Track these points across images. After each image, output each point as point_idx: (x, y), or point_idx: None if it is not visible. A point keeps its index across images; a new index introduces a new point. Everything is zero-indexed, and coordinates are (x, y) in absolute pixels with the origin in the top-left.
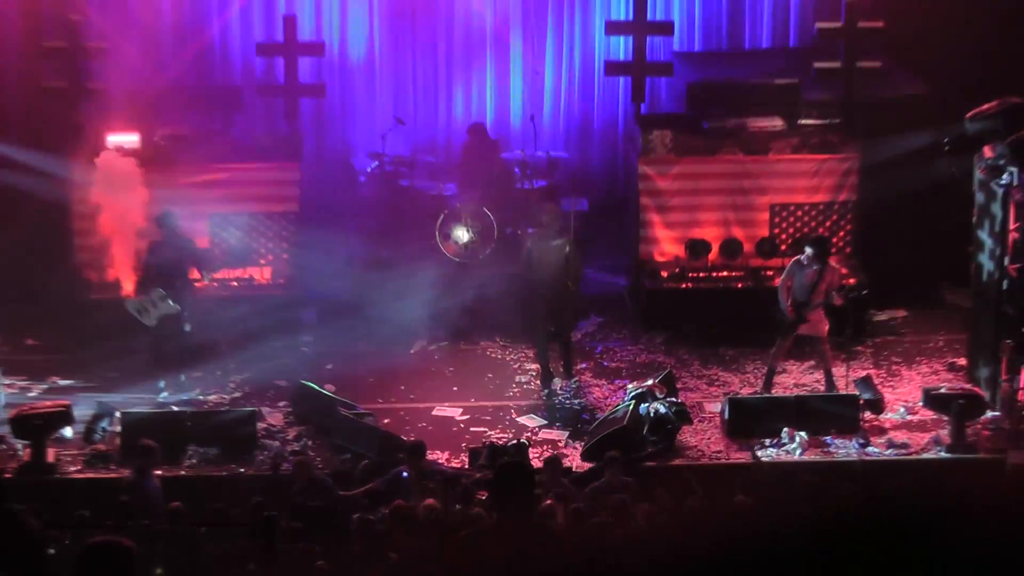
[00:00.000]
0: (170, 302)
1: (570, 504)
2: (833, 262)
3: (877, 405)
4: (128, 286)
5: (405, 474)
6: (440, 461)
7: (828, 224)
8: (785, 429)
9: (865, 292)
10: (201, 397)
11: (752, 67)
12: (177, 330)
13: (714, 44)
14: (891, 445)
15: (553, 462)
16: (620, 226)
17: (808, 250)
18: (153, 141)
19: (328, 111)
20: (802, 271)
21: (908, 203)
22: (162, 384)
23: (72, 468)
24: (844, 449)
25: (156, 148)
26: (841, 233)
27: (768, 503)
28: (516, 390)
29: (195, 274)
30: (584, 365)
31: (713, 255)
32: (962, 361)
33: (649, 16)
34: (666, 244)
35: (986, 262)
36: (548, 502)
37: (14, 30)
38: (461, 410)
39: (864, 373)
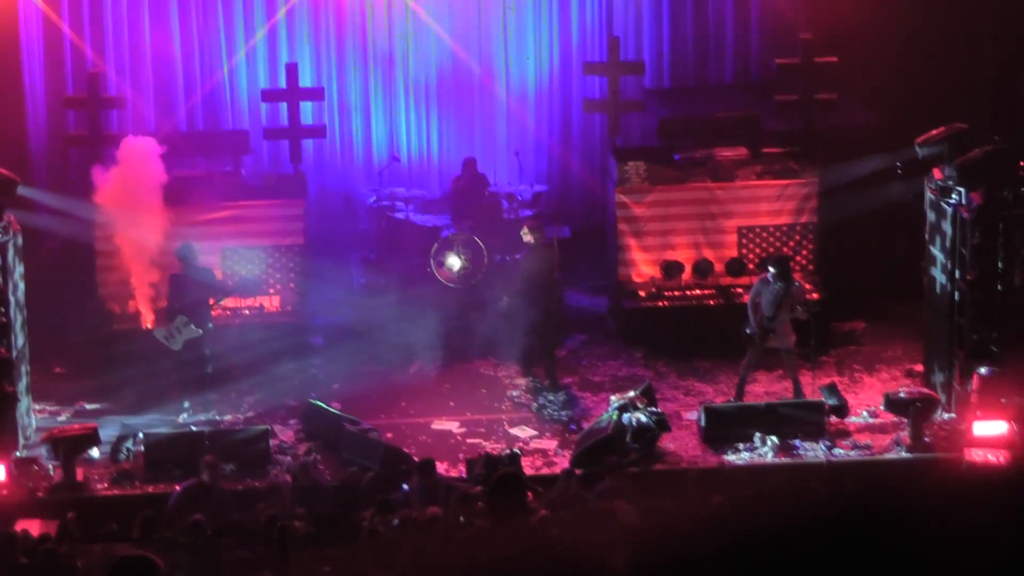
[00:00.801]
0: (193, 327)
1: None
2: (797, 279)
3: (842, 410)
4: (149, 317)
5: (406, 487)
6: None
7: (791, 244)
8: (757, 434)
9: (818, 308)
10: (218, 417)
11: (717, 101)
12: (199, 354)
13: (682, 81)
14: (855, 447)
15: (568, 475)
16: (600, 251)
17: (771, 269)
18: (168, 182)
19: (329, 151)
20: (768, 288)
21: (864, 223)
22: (187, 404)
23: (100, 486)
24: (812, 451)
25: (171, 188)
26: (804, 252)
27: (740, 503)
28: (508, 404)
29: (211, 301)
30: (570, 379)
31: (686, 275)
32: (919, 367)
33: (622, 57)
34: (643, 266)
35: (938, 275)
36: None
37: (39, 83)
38: (458, 423)
39: (829, 381)
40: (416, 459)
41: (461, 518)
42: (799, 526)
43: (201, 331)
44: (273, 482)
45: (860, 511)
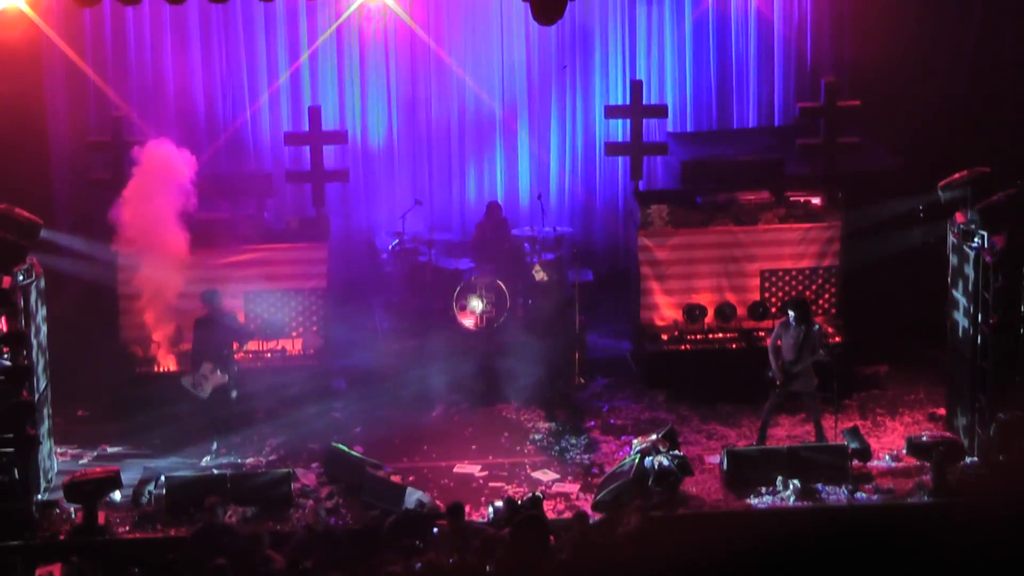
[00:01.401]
0: (219, 373)
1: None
2: (817, 321)
3: (864, 454)
4: (171, 360)
5: (436, 530)
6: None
7: (814, 288)
8: (779, 478)
9: (839, 351)
10: (240, 460)
11: (740, 145)
12: (225, 398)
13: (705, 125)
14: (878, 491)
15: (581, 517)
16: (622, 294)
17: (792, 312)
18: (191, 225)
19: (352, 194)
20: (789, 332)
21: (887, 266)
22: (215, 446)
23: (122, 529)
24: (834, 495)
25: (194, 231)
26: (826, 295)
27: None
28: (530, 447)
29: (235, 346)
30: (592, 423)
31: (709, 319)
32: (941, 411)
33: (645, 100)
34: (665, 309)
35: (961, 319)
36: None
37: (63, 127)
38: (480, 467)
39: (851, 424)
40: (440, 503)
41: (487, 567)
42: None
43: (227, 376)
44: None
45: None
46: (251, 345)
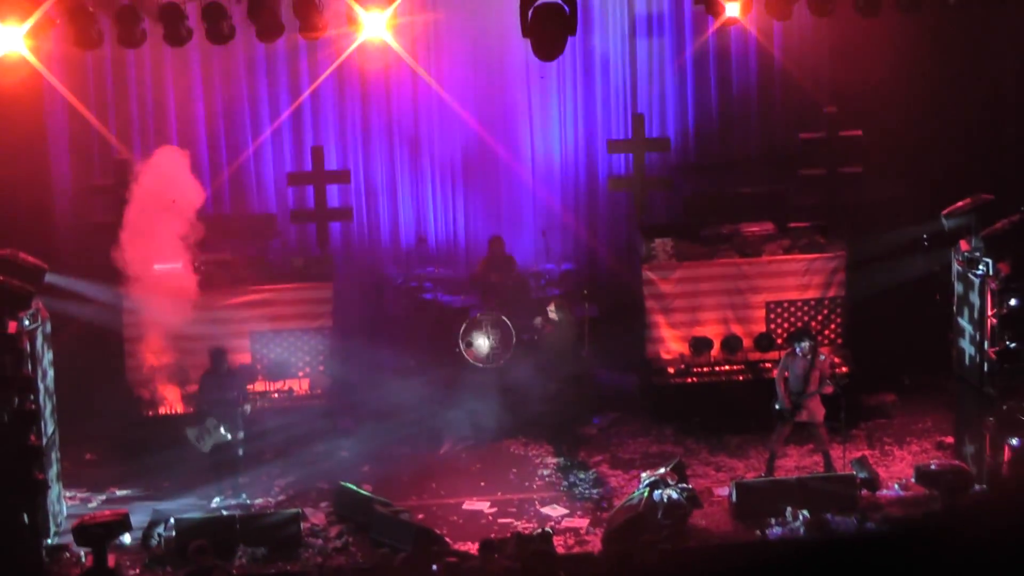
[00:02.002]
0: (222, 430)
1: None
2: (824, 352)
3: (873, 483)
4: (177, 403)
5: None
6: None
7: (819, 318)
8: (788, 509)
9: (846, 382)
10: (249, 501)
11: (743, 177)
12: (228, 454)
13: (707, 157)
14: (887, 520)
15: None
16: (628, 328)
17: (799, 343)
18: (196, 267)
19: (356, 233)
20: (795, 363)
21: (892, 295)
22: (218, 491)
23: (132, 572)
24: (844, 525)
25: (200, 273)
26: (832, 326)
27: None
28: (538, 483)
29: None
30: (600, 457)
31: (715, 351)
32: (949, 439)
33: (647, 134)
34: (671, 343)
35: (967, 347)
36: None
37: (66, 171)
38: (489, 503)
39: (859, 454)
40: (448, 540)
41: None
42: None
43: (230, 436)
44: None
45: None
46: (259, 385)
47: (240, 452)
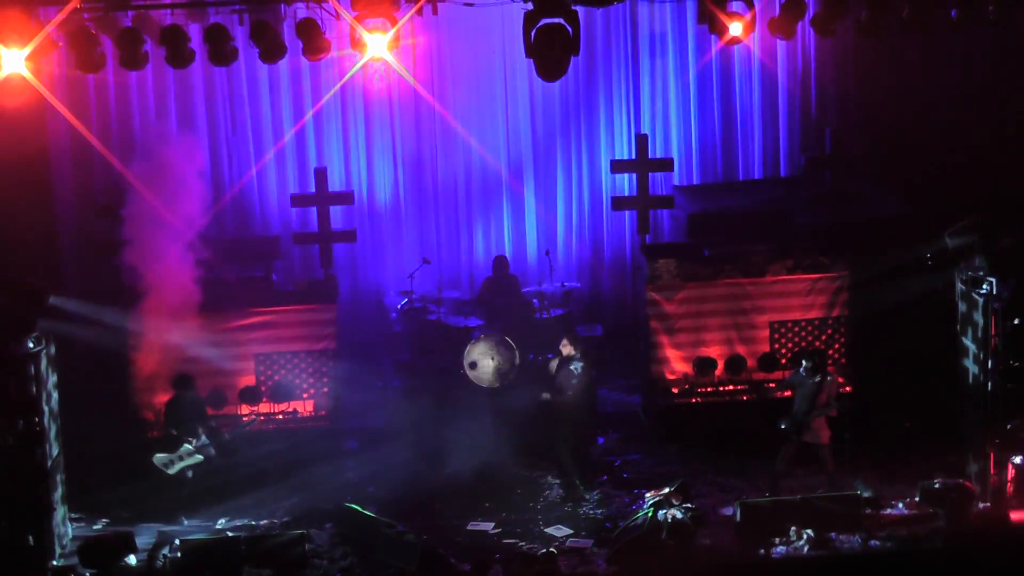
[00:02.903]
0: (198, 456)
1: None
2: (831, 371)
3: (877, 502)
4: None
5: None
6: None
7: (823, 338)
8: (793, 528)
9: (851, 404)
10: (254, 522)
11: (747, 196)
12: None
13: (711, 177)
14: (892, 538)
15: None
16: (632, 349)
17: (805, 363)
18: (200, 289)
19: (360, 254)
20: (803, 383)
21: (896, 315)
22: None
23: None
24: (848, 544)
25: (202, 295)
26: (836, 346)
27: None
28: (543, 503)
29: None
30: (605, 477)
31: (719, 371)
32: (953, 458)
33: (650, 154)
34: (675, 363)
35: (971, 366)
36: None
37: (69, 193)
38: (493, 524)
39: (863, 472)
40: (452, 561)
41: None
42: None
43: (210, 452)
44: None
45: None
46: (263, 407)
47: (228, 438)
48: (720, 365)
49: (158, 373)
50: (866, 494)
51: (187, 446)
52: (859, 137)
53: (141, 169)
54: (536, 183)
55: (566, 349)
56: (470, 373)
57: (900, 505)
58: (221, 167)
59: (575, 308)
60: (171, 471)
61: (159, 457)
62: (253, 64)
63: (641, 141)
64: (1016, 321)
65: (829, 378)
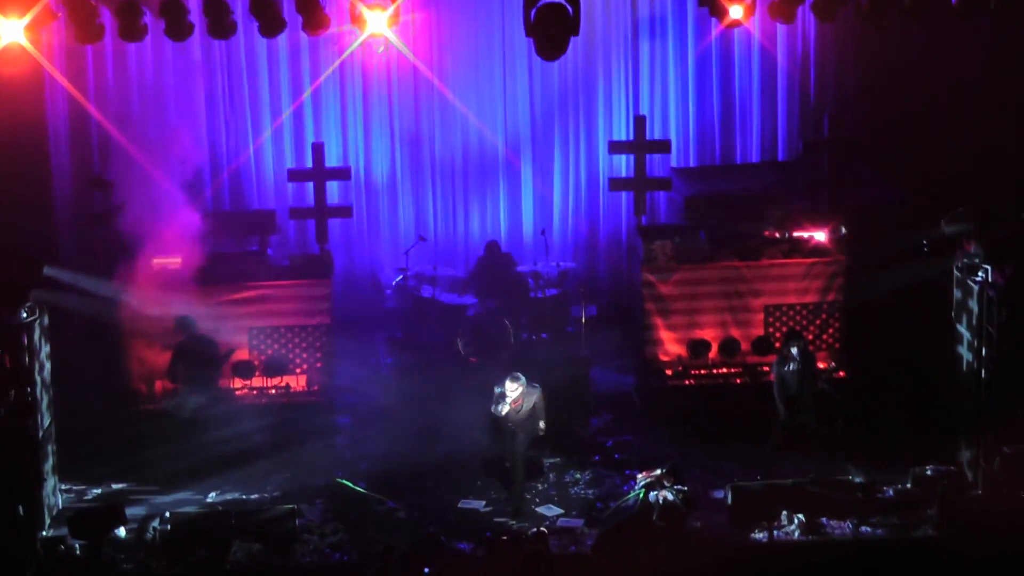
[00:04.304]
0: (201, 397)
1: None
2: (810, 350)
3: (869, 487)
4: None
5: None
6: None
7: (818, 322)
8: (784, 512)
9: (841, 386)
10: (244, 496)
11: (744, 180)
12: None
13: (708, 159)
14: (883, 524)
15: None
16: (626, 330)
17: (791, 346)
18: (195, 263)
19: (355, 230)
20: (789, 365)
21: (892, 301)
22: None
23: (126, 565)
24: (839, 529)
25: (198, 269)
26: (830, 331)
27: None
28: (535, 483)
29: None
30: (597, 458)
31: (713, 354)
32: (946, 445)
33: (648, 136)
34: (669, 345)
35: (965, 353)
36: None
37: (66, 163)
38: (484, 502)
39: (856, 458)
40: (443, 539)
41: None
42: None
43: (206, 397)
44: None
45: None
46: (256, 381)
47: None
48: (714, 348)
49: (151, 344)
50: (858, 480)
51: (187, 391)
52: (857, 122)
53: (138, 139)
54: (534, 162)
55: (513, 388)
56: (463, 350)
57: (891, 491)
58: (219, 141)
59: (570, 288)
60: (183, 414)
61: (167, 403)
62: (252, 38)
63: (639, 122)
64: (1012, 309)
65: (813, 359)
